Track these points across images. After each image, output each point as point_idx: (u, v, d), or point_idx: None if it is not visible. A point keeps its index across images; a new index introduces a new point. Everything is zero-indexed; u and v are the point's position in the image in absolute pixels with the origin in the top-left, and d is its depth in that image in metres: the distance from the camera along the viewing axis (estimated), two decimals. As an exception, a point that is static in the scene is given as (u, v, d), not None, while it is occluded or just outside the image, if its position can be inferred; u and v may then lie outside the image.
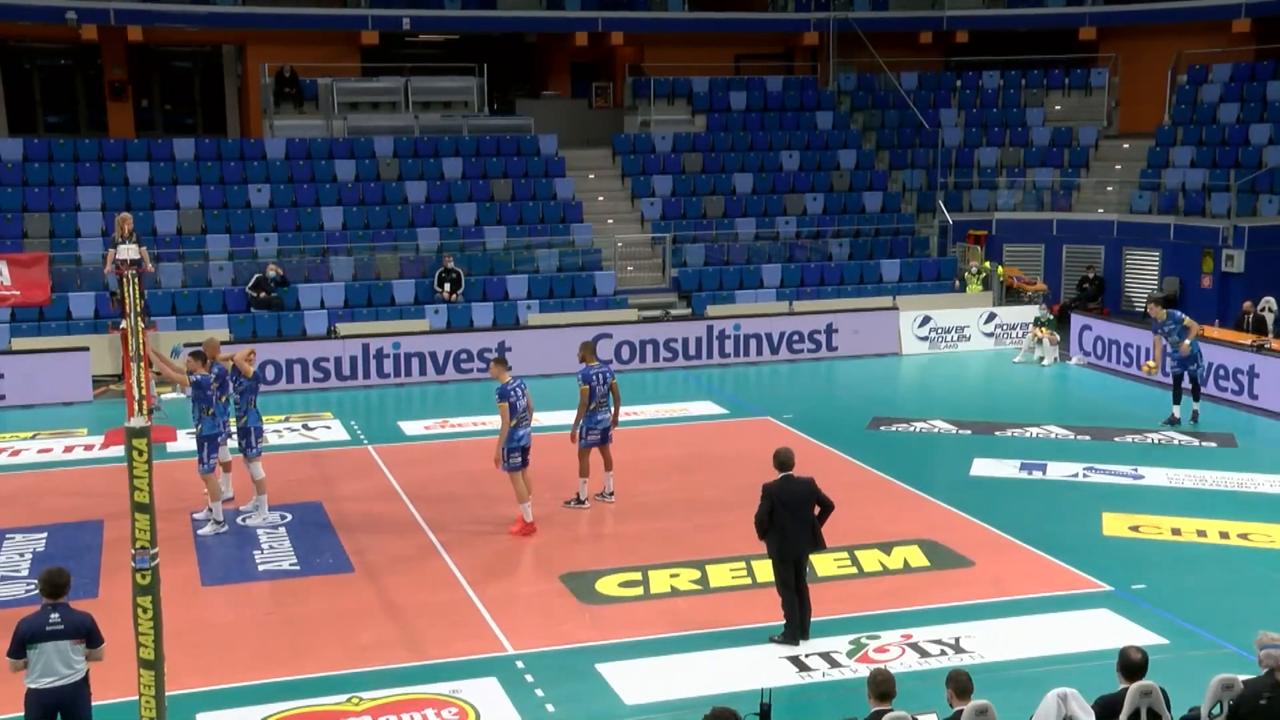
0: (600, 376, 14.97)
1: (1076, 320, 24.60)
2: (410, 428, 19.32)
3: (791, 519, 10.94)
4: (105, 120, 31.88)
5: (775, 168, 30.04)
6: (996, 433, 18.67)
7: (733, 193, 29.24)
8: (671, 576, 12.83)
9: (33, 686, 8.21)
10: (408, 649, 11.19)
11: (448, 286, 24.91)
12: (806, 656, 10.85)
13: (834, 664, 10.72)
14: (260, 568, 13.16)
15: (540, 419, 18.08)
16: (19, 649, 8.19)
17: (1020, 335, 24.93)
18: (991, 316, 25.55)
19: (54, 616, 8.26)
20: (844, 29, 32.73)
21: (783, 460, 11.08)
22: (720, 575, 12.85)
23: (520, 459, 14.17)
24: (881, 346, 24.77)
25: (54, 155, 26.70)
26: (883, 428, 19.13)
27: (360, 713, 9.94)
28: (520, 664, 10.83)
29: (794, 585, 11.09)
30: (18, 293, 23.05)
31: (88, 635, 8.34)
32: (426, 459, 17.52)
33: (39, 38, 31.13)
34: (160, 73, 33.94)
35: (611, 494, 15.33)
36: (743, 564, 13.00)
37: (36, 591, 8.61)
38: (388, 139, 28.58)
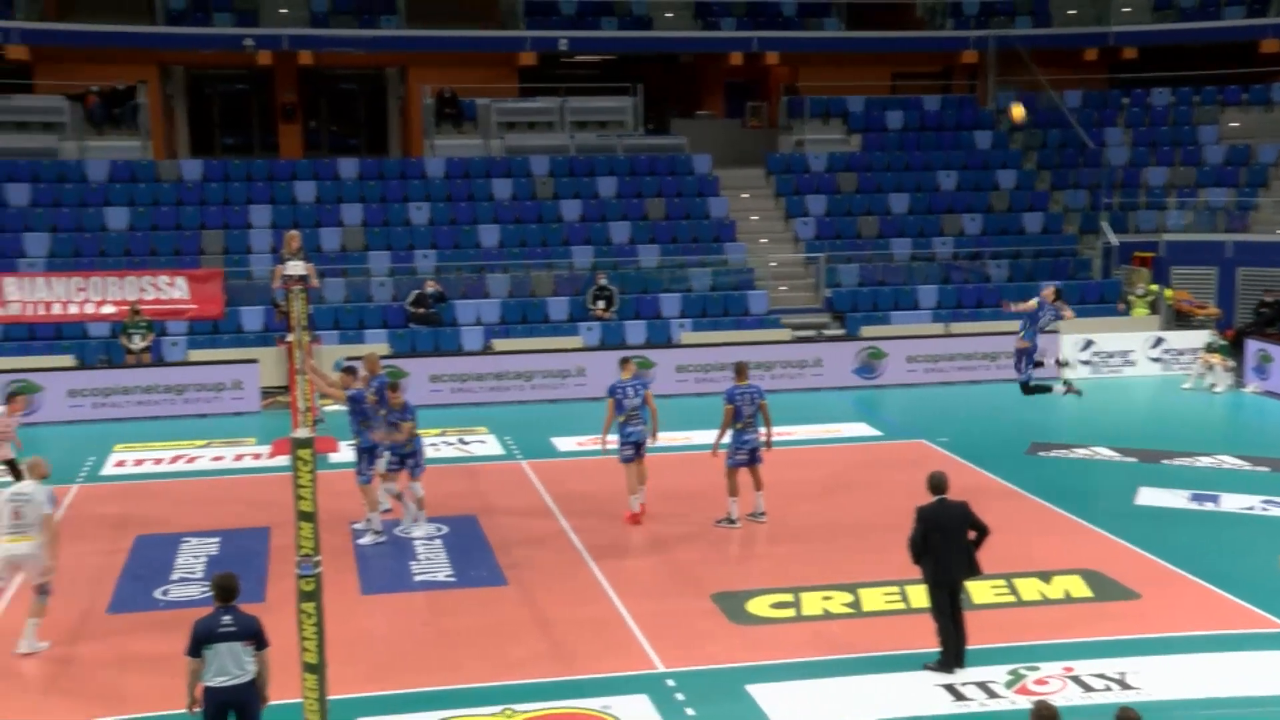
0: (747, 396, 14.93)
1: (1252, 346, 23.60)
2: (563, 444, 19.50)
3: (946, 544, 10.71)
4: (276, 141, 33.07)
5: (932, 188, 29.57)
6: (1164, 461, 18.00)
7: (888, 213, 28.87)
8: (824, 599, 12.68)
9: (209, 685, 8.53)
10: (559, 663, 11.26)
11: (601, 304, 25.13)
12: (962, 685, 10.59)
13: (991, 694, 10.44)
14: (416, 578, 13.41)
15: (691, 437, 18.26)
16: (197, 649, 8.52)
17: (1190, 361, 24.03)
18: (1159, 341, 24.69)
19: (226, 619, 8.58)
20: (1004, 46, 32.10)
21: (937, 483, 10.87)
22: (873, 599, 12.65)
23: (632, 452, 15.04)
24: (1042, 370, 24.04)
25: (229, 175, 27.80)
26: (1042, 453, 18.63)
27: (512, 724, 10.05)
28: (671, 682, 10.80)
29: (949, 612, 10.85)
30: (194, 306, 24.05)
31: (255, 637, 8.63)
32: (578, 475, 17.65)
33: (219, 65, 32.50)
34: (328, 95, 35.07)
35: (763, 514, 15.23)
36: (896, 588, 12.75)
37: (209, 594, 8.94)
38: (544, 158, 28.99)
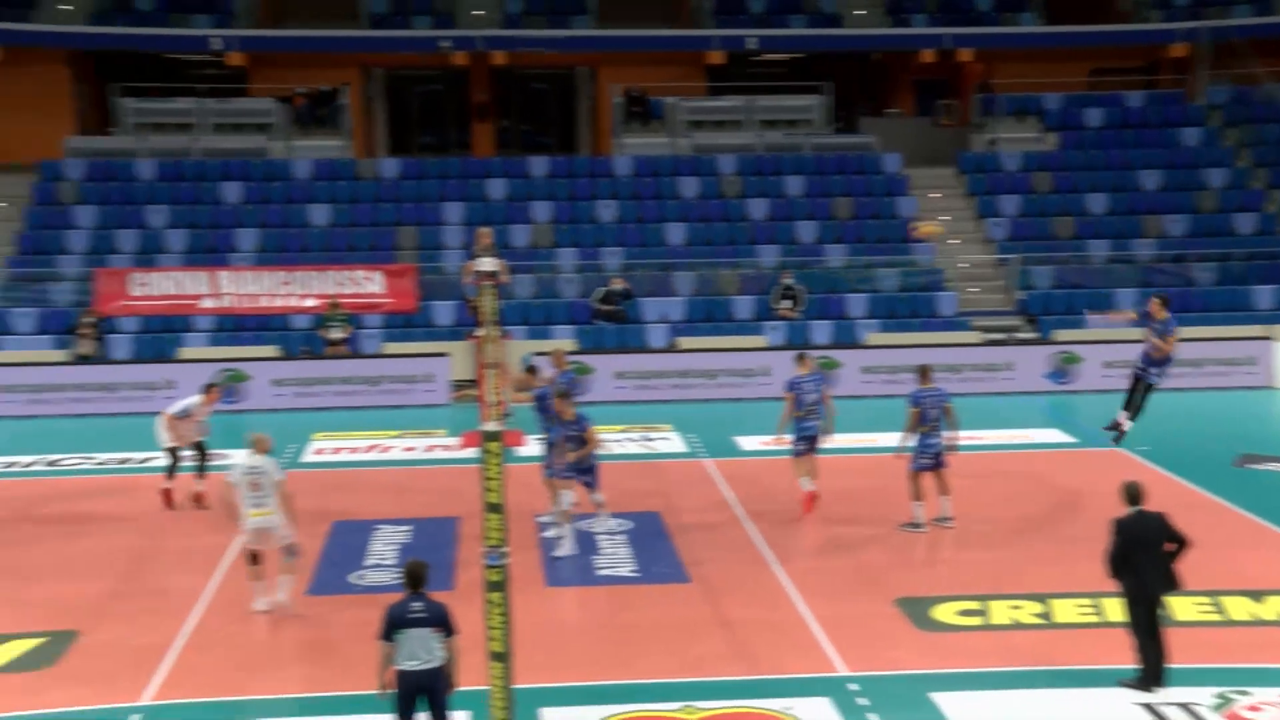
0: (932, 399, 14.64)
1: None
2: (746, 443, 19.44)
3: (1145, 557, 10.26)
4: (470, 140, 33.89)
5: (1133, 187, 28.45)
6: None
7: (1085, 213, 27.91)
8: (1013, 608, 12.31)
9: (400, 669, 8.77)
10: (740, 662, 11.21)
11: (787, 304, 24.97)
12: (1163, 705, 10.14)
13: (1195, 717, 9.96)
14: (600, 572, 13.54)
15: (876, 439, 18.00)
16: (389, 633, 8.76)
17: None
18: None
19: (416, 605, 8.80)
20: (1218, 38, 30.64)
21: (1133, 494, 10.43)
22: (1066, 611, 12.22)
23: (805, 447, 15.26)
24: (1252, 379, 23.03)
25: (424, 173, 28.64)
26: (1252, 466, 17.72)
27: (693, 721, 10.06)
28: (854, 686, 10.63)
29: (1149, 628, 10.40)
30: (390, 300, 24.85)
31: (444, 624, 8.83)
32: (762, 475, 17.57)
33: (417, 66, 33.48)
34: (520, 95, 35.74)
35: (950, 519, 14.90)
36: (1090, 601, 12.28)
37: (401, 580, 9.19)
38: (731, 157, 28.97)
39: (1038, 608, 12.30)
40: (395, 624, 8.76)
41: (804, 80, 32.19)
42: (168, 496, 15.94)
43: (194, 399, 16.24)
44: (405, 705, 8.79)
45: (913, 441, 14.71)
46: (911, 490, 14.74)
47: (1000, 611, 12.25)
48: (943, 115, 33.08)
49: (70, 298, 24.83)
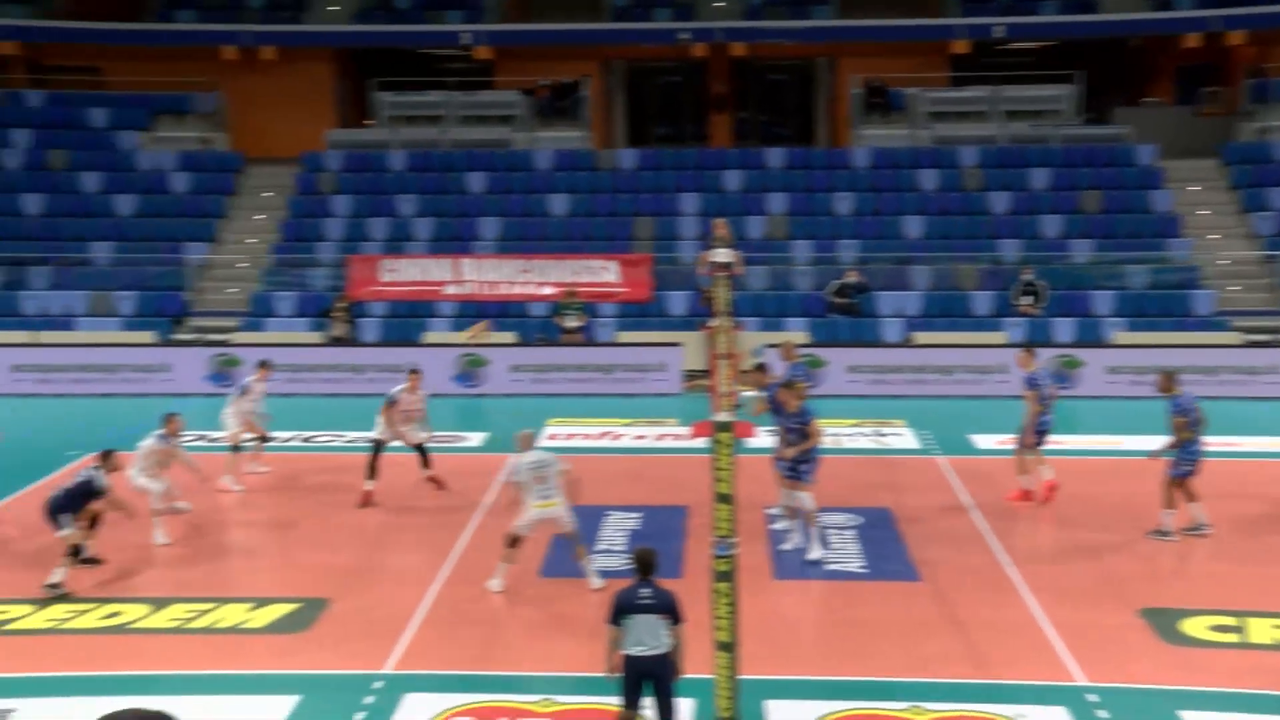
0: (1196, 406, 13.95)
1: None
2: (982, 441, 18.92)
3: None
4: (707, 131, 34.03)
5: None
6: None
7: (1367, 207, 26.06)
8: (1275, 628, 11.56)
9: (627, 654, 8.88)
10: (971, 665, 10.91)
11: (1028, 299, 24.16)
12: None
13: None
14: (828, 567, 13.39)
15: (1122, 442, 17.27)
16: (617, 618, 8.89)
17: None
18: None
19: (644, 592, 8.89)
20: None
21: None
22: (1338, 634, 11.42)
23: (1036, 440, 15.08)
24: None
25: (661, 164, 28.92)
26: None
27: (923, 724, 9.85)
28: (1093, 697, 10.20)
29: None
30: (625, 290, 25.20)
31: (672, 612, 8.88)
32: (998, 474, 17.02)
33: (656, 58, 33.86)
34: (757, 86, 35.66)
35: (1206, 526, 14.10)
36: (1366, 624, 11.50)
37: (631, 566, 9.29)
38: (973, 149, 28.21)
39: (1306, 628, 11.53)
40: (623, 609, 8.87)
41: (1053, 69, 31.01)
42: (367, 497, 15.81)
43: (398, 387, 16.56)
44: (631, 689, 8.90)
45: (1174, 448, 13.99)
46: (1166, 497, 14.04)
47: (1261, 630, 11.53)
48: (1206, 103, 31.34)
49: (326, 283, 26.16)
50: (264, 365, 17.67)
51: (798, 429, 13.68)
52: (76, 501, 12.83)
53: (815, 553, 13.47)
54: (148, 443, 14.36)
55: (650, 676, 8.85)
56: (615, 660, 8.97)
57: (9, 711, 9.86)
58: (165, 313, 25.78)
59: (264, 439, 17.17)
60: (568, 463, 12.86)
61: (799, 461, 13.64)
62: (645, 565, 9.04)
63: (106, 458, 13.20)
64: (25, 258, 26.80)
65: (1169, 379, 14.22)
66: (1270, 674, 10.66)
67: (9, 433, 17.90)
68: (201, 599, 12.39)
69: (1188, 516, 14.12)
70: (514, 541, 12.63)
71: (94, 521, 13.19)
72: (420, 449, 16.36)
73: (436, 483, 16.23)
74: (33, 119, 30.39)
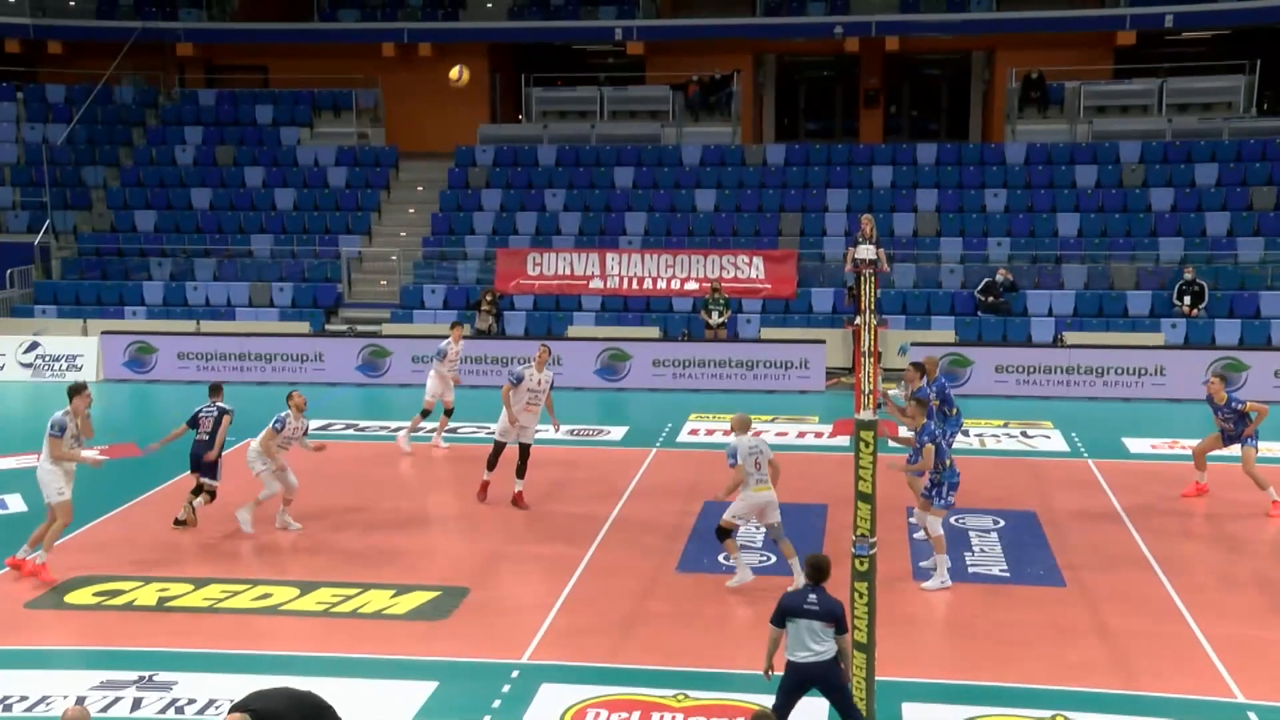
0: None
1: None
2: (1135, 445, 18.32)
3: None
4: (857, 126, 33.66)
5: None
6: None
7: None
8: None
9: (789, 659, 8.76)
10: (1119, 675, 10.58)
11: (1188, 300, 23.31)
12: None
13: None
14: (970, 569, 13.13)
15: (1288, 451, 16.48)
16: (781, 620, 8.78)
17: None
18: None
19: (812, 597, 8.73)
20: None
21: None
22: None
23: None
24: None
25: (810, 159, 28.68)
26: None
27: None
28: (1254, 716, 9.81)
29: None
30: (769, 286, 25.08)
31: (837, 620, 8.69)
32: (1151, 479, 16.49)
33: (807, 52, 33.63)
34: (910, 80, 35.15)
35: None
36: None
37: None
38: (1135, 143, 27.32)
39: None
40: (788, 612, 8.74)
41: (1227, 59, 29.79)
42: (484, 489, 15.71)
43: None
44: (789, 693, 8.76)
45: None
46: None
47: None
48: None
49: (474, 275, 26.61)
50: (456, 325, 18.33)
51: (917, 449, 12.94)
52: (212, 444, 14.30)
53: (935, 581, 12.66)
54: (268, 429, 14.27)
55: (815, 681, 8.70)
56: (775, 661, 8.87)
57: (172, 683, 10.29)
58: (320, 304, 26.57)
59: (448, 412, 18.07)
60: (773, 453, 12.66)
61: (931, 484, 12.87)
62: (819, 571, 8.87)
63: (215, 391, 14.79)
64: (193, 249, 27.94)
65: None
66: None
67: (173, 416, 18.63)
68: (347, 584, 12.71)
69: None
70: (725, 533, 12.57)
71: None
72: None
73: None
74: (204, 117, 31.64)
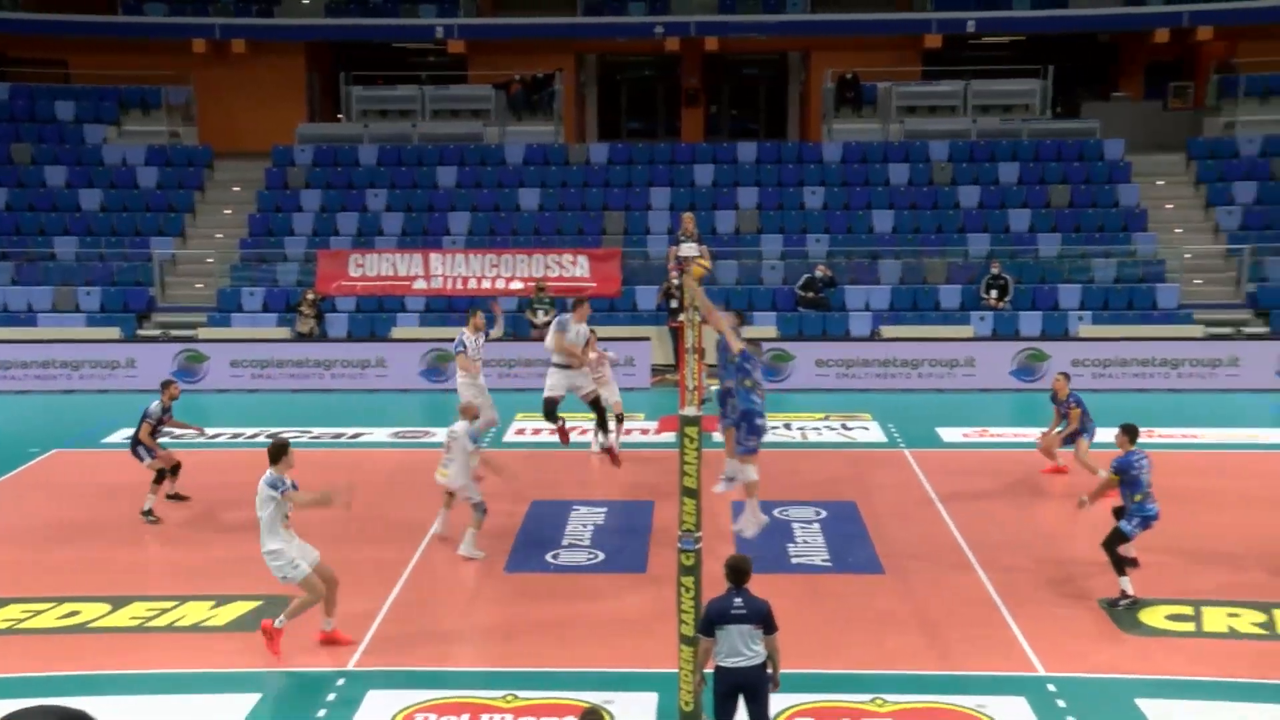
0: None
1: None
2: (948, 434, 18.99)
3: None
4: (678, 125, 34.05)
5: (1391, 172, 26.58)
6: None
7: (1334, 202, 26.26)
8: (1230, 616, 11.69)
9: (721, 665, 8.62)
10: (934, 657, 10.96)
11: (995, 293, 24.28)
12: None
13: None
14: (793, 560, 13.41)
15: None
16: (709, 628, 8.61)
17: None
18: None
19: (738, 601, 8.60)
20: None
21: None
22: (1291, 623, 11.53)
23: None
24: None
25: (632, 158, 28.88)
26: None
27: (885, 714, 9.85)
28: (1052, 687, 10.28)
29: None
30: (594, 284, 25.16)
31: (765, 621, 8.58)
32: (963, 468, 17.12)
33: (629, 51, 33.86)
34: (730, 80, 35.72)
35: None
36: (1321, 614, 11.62)
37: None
38: (943, 143, 28.30)
39: (1259, 617, 11.66)
40: (715, 619, 8.56)
41: (1024, 64, 31.14)
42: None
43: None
44: (724, 700, 8.62)
45: None
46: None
47: (1215, 618, 11.65)
48: (1174, 98, 31.55)
49: (294, 278, 26.02)
50: (471, 311, 17.27)
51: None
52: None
53: (749, 525, 13.34)
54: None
55: (745, 688, 8.58)
56: (702, 675, 8.78)
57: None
58: (131, 308, 25.60)
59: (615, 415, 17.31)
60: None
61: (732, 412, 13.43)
62: (739, 574, 8.72)
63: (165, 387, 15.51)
64: (-11, 252, 26.64)
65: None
66: (1226, 661, 10.77)
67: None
68: (163, 597, 12.32)
69: None
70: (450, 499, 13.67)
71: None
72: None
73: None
74: (-2, 112, 30.18)
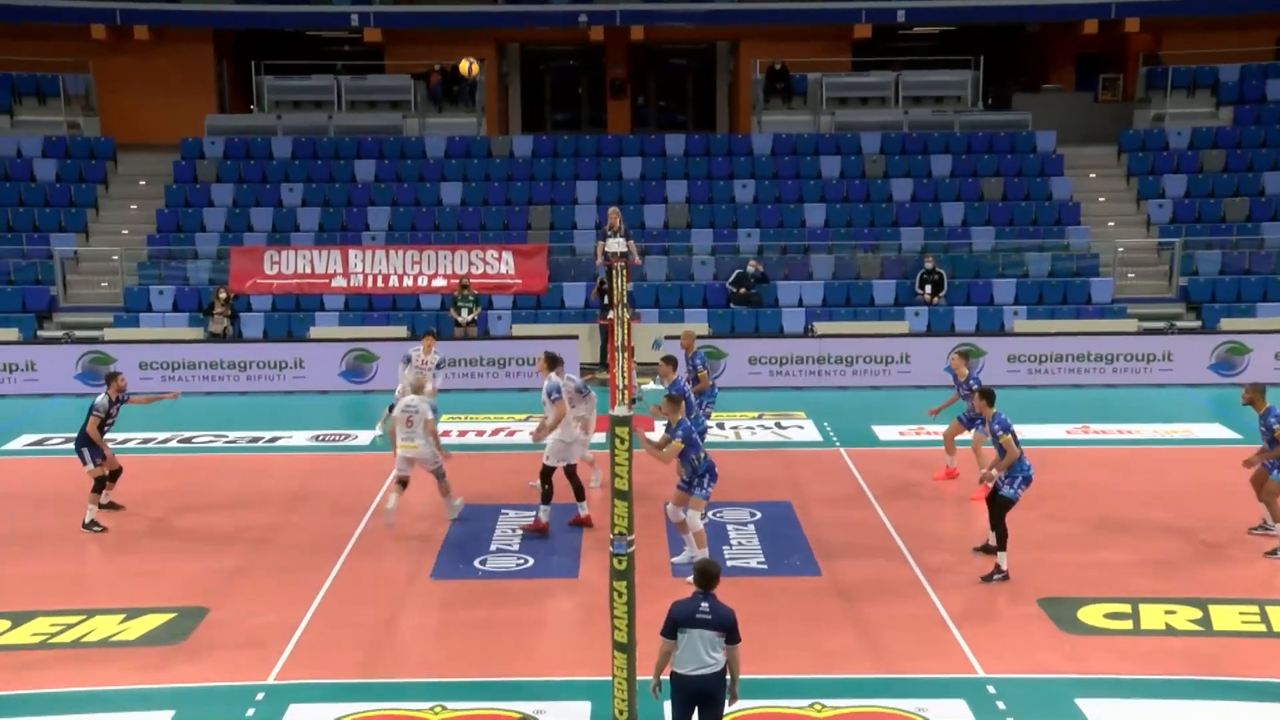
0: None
1: None
2: (884, 432, 18.73)
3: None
4: (605, 117, 33.54)
5: (1318, 165, 26.75)
6: None
7: (1261, 194, 26.40)
8: (1167, 613, 11.55)
9: (679, 671, 8.29)
10: (872, 660, 10.71)
11: (929, 288, 24.08)
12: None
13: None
14: (729, 564, 12.99)
15: (1022, 431, 16.99)
16: (672, 631, 8.28)
17: None
18: None
19: (704, 606, 8.28)
20: None
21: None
22: (1227, 618, 11.42)
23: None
24: None
25: (558, 151, 28.32)
26: None
27: (822, 719, 9.58)
28: (992, 689, 10.07)
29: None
30: (519, 281, 24.62)
31: (729, 630, 8.28)
32: (900, 465, 16.85)
33: (552, 41, 33.27)
34: (656, 71, 35.26)
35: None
36: (1255, 608, 11.53)
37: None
38: (875, 135, 28.09)
39: (1195, 613, 11.55)
40: (679, 622, 8.24)
41: (954, 55, 31.03)
42: None
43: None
44: (683, 709, 8.30)
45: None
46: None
47: (1152, 616, 11.52)
48: (1104, 90, 31.62)
49: (206, 276, 25.18)
50: (428, 335, 17.49)
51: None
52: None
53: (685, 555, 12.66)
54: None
55: (701, 696, 8.25)
56: (661, 677, 8.43)
57: None
58: (31, 308, 24.62)
59: None
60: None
61: (690, 473, 12.54)
62: (708, 578, 8.39)
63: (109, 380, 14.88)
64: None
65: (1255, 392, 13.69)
66: (1163, 658, 10.63)
67: None
68: (68, 611, 11.71)
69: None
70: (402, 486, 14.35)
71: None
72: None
73: None
74: (-125, 99, 28.83)
